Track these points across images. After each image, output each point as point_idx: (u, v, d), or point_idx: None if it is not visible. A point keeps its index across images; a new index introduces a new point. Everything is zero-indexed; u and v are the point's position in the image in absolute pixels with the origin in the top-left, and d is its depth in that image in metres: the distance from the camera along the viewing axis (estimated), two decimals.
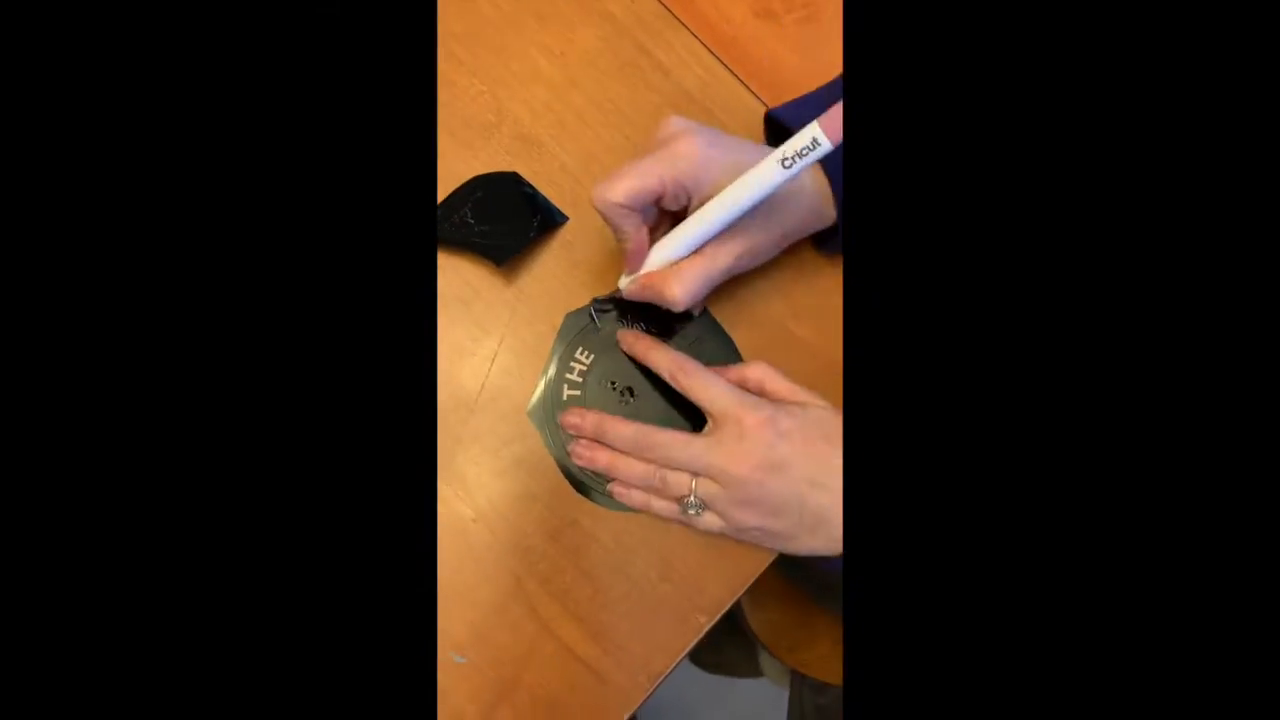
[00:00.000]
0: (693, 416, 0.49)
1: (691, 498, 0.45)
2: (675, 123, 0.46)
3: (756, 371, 0.47)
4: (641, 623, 0.49)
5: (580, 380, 0.51)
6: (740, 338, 0.52)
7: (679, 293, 0.45)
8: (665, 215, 0.48)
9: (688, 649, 0.49)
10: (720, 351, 0.51)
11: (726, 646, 0.99)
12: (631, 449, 0.47)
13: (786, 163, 0.42)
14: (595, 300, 0.52)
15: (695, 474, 0.45)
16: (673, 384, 0.47)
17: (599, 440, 0.49)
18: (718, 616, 0.49)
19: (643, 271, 0.47)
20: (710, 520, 0.46)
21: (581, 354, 0.51)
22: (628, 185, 0.43)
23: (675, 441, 0.45)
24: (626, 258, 0.47)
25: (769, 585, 0.83)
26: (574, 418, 0.49)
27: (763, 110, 0.55)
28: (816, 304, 0.52)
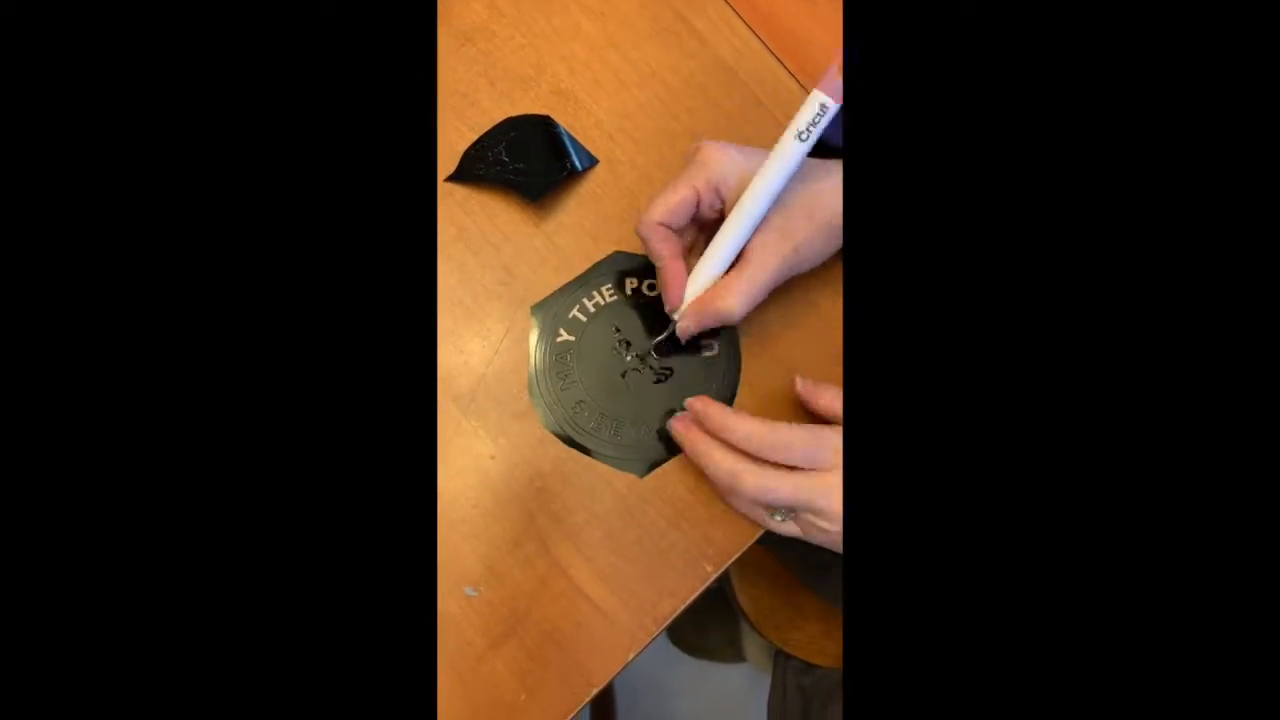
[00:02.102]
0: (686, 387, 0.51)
1: (779, 516, 0.46)
2: (698, 141, 0.47)
3: (830, 400, 0.46)
4: (650, 568, 0.50)
5: (583, 322, 0.52)
6: (788, 342, 0.52)
7: (733, 303, 0.44)
8: (702, 235, 0.49)
9: (694, 595, 0.50)
10: (728, 375, 0.52)
11: (711, 628, 0.99)
12: (751, 450, 0.44)
13: (802, 136, 0.43)
14: (655, 347, 0.51)
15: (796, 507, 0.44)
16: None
17: (718, 435, 0.46)
18: (724, 567, 0.50)
19: (689, 298, 0.47)
20: (789, 528, 0.46)
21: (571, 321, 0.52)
22: (663, 201, 0.45)
23: (789, 477, 0.43)
24: (664, 288, 0.47)
25: (759, 563, 0.84)
26: (699, 404, 0.46)
27: (794, 85, 0.57)
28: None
